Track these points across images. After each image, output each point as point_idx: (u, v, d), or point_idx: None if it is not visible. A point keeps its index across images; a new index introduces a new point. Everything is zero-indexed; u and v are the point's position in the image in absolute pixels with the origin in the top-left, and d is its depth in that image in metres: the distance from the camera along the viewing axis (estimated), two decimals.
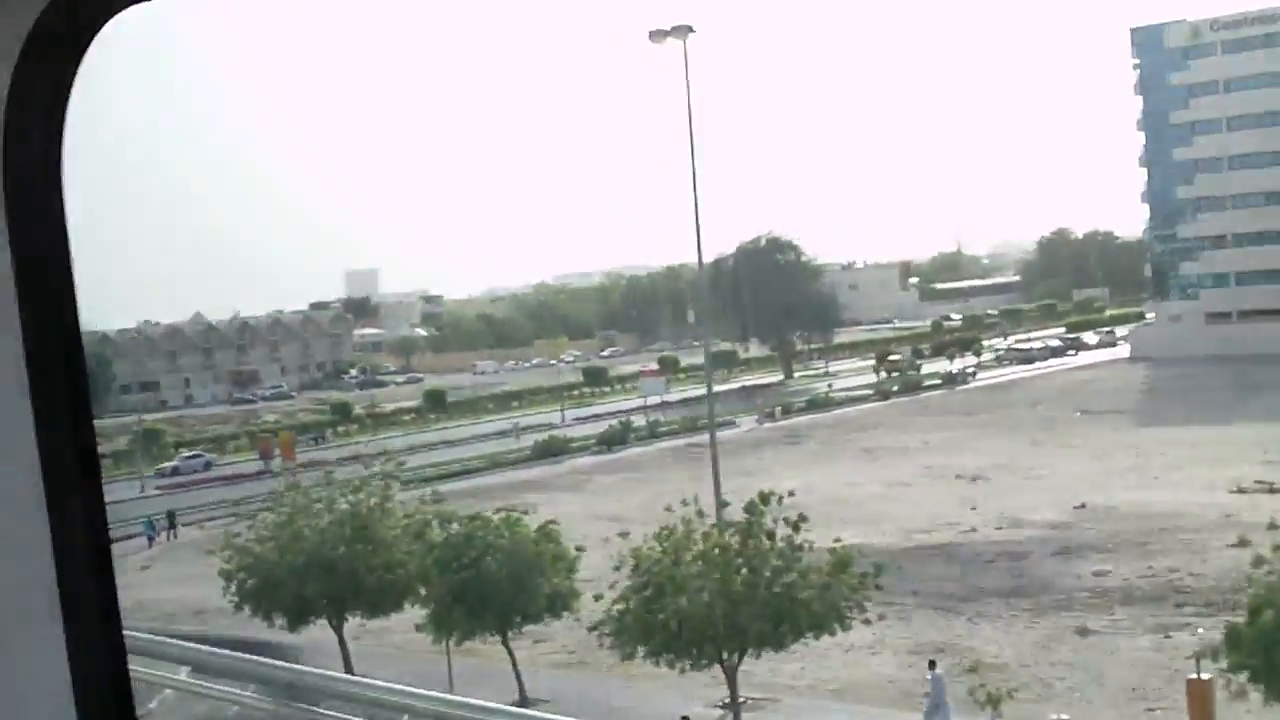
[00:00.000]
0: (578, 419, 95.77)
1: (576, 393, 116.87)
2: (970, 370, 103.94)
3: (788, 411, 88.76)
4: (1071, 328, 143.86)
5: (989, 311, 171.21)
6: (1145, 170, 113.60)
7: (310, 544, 31.37)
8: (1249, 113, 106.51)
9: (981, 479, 59.88)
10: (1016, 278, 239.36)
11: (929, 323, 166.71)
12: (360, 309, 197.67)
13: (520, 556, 29.38)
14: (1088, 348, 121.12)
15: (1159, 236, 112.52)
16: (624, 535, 33.53)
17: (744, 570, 26.46)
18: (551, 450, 77.14)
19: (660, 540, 27.16)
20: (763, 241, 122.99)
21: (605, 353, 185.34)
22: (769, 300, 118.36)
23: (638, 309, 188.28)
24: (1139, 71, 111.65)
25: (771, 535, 26.65)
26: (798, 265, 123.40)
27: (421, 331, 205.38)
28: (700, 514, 28.17)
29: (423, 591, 30.84)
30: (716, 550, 26.86)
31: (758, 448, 77.26)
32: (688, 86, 53.13)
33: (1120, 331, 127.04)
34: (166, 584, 47.97)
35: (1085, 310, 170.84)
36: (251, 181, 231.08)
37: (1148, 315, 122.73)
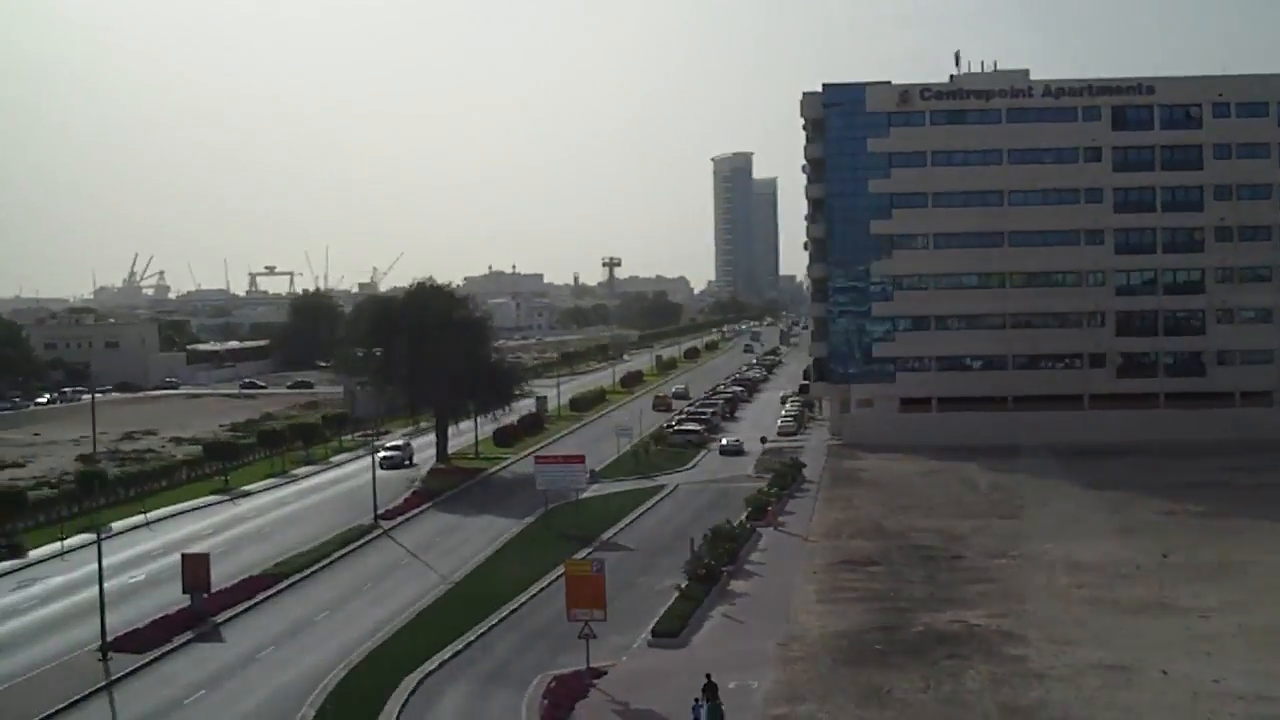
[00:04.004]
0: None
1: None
2: None
3: None
4: None
5: None
6: (816, 242, 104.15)
7: None
8: (957, 189, 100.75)
9: None
10: (266, 341, 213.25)
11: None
12: None
13: None
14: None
15: (846, 314, 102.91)
16: None
17: None
18: None
19: None
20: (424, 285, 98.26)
21: None
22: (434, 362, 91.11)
23: None
24: (826, 134, 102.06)
25: None
26: (472, 322, 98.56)
27: None
28: None
29: None
30: None
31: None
32: None
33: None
34: None
35: None
36: None
37: (823, 398, 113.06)
